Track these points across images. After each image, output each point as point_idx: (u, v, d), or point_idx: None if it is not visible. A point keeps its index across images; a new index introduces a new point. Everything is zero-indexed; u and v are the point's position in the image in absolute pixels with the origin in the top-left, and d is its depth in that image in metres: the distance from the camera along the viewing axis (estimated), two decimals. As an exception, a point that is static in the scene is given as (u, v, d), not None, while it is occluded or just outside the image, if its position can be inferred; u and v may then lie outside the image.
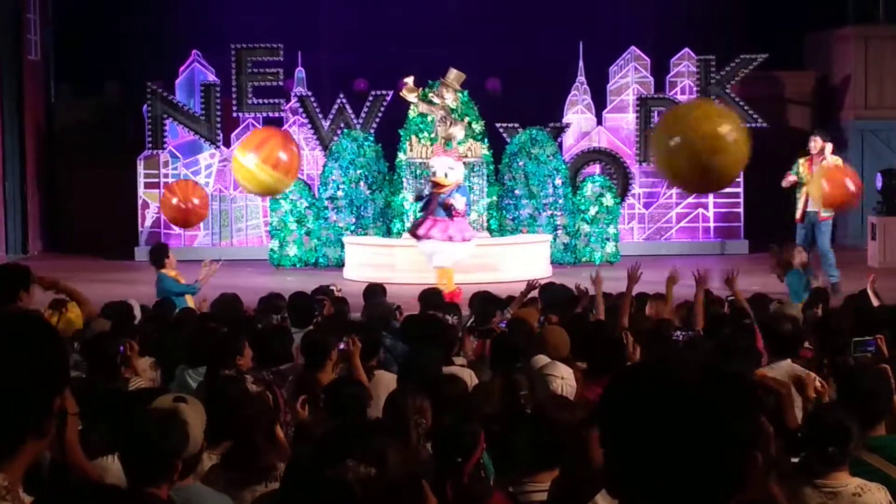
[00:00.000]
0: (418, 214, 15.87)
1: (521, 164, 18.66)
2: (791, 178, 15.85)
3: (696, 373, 2.25)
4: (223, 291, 11.20)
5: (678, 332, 8.29)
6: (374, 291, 11.34)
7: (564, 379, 7.02)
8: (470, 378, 7.40)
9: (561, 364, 7.23)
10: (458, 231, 15.06)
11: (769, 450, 2.14)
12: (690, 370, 2.26)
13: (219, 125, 19.60)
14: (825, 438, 5.01)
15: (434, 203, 15.07)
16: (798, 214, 15.79)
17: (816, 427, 5.07)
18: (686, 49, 20.11)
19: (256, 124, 19.74)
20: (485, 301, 10.52)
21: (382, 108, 19.31)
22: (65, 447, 3.23)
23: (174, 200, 15.61)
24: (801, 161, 15.97)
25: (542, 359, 7.35)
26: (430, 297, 10.93)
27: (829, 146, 15.96)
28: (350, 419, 5.60)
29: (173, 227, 19.73)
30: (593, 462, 2.37)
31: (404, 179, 17.64)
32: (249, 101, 19.58)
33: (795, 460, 5.37)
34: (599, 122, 20.31)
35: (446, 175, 15.11)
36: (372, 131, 19.17)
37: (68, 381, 2.75)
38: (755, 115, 19.64)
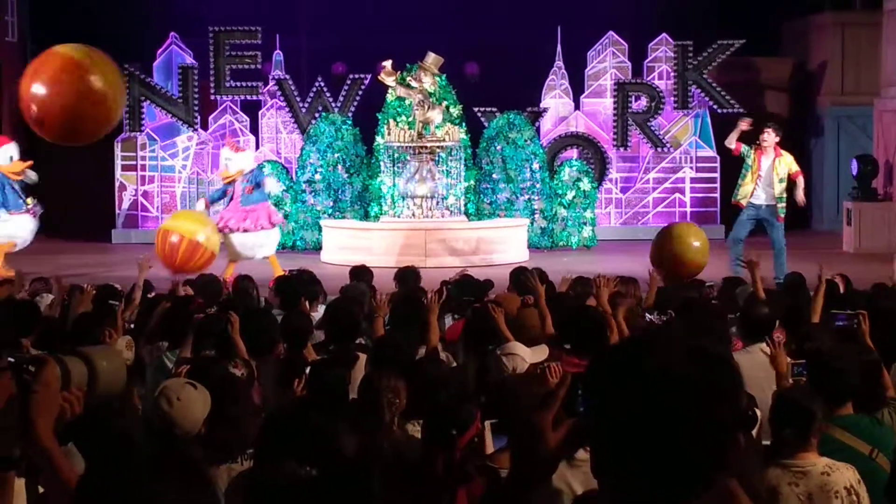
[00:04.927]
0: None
1: (498, 148, 18.69)
2: (736, 143, 15.04)
3: (679, 353, 2.20)
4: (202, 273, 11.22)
5: (651, 316, 8.32)
6: (361, 273, 11.33)
7: (508, 360, 6.94)
8: (447, 360, 7.44)
9: (515, 344, 7.25)
10: (265, 217, 15.16)
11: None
12: (673, 350, 2.21)
13: (196, 108, 19.56)
14: (788, 420, 5.09)
15: (236, 195, 15.12)
16: (743, 201, 15.17)
17: (780, 409, 5.16)
18: (663, 34, 20.16)
19: (234, 108, 19.73)
20: (462, 284, 10.56)
21: (360, 92, 19.30)
22: (28, 424, 3.11)
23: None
24: (752, 150, 15.25)
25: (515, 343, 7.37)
26: (408, 276, 10.97)
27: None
28: (332, 400, 5.66)
29: (151, 209, 19.73)
30: (546, 446, 2.37)
31: (382, 163, 17.65)
32: (227, 84, 19.54)
33: (766, 443, 5.45)
34: (577, 107, 20.35)
35: (227, 167, 15.33)
36: (350, 115, 19.17)
37: None
38: (732, 101, 19.70)
